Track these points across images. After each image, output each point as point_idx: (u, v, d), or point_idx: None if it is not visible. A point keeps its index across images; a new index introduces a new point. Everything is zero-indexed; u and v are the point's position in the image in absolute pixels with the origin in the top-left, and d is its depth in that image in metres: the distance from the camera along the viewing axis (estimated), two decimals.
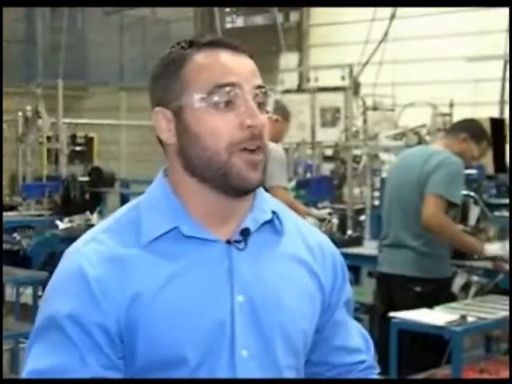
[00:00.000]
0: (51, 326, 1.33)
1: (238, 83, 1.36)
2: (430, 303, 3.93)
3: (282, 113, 4.96)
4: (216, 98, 1.35)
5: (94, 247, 1.36)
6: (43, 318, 1.35)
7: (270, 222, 1.45)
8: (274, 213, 1.45)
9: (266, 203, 1.47)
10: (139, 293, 1.33)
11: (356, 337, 1.59)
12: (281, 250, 1.45)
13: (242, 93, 1.36)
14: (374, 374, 1.61)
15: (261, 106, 1.39)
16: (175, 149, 1.40)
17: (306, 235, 1.51)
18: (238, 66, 1.38)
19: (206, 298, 1.36)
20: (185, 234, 1.37)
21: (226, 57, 1.38)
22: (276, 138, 4.88)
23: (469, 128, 4.47)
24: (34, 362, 1.33)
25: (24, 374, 1.34)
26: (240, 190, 1.38)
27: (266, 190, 4.82)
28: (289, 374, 1.44)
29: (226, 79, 1.36)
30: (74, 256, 1.37)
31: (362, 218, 6.74)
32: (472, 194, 5.09)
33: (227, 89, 1.35)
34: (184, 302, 1.34)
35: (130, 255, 1.35)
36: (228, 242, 1.39)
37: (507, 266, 4.56)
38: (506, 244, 4.42)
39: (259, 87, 1.39)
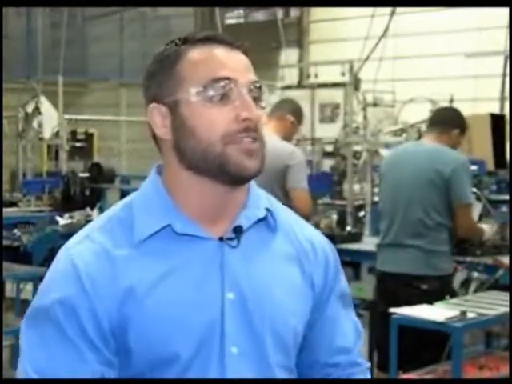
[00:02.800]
0: (45, 319, 1.34)
1: (233, 77, 1.37)
2: (435, 300, 3.94)
3: (298, 115, 4.99)
4: (211, 92, 1.36)
5: (87, 246, 1.37)
6: (36, 310, 1.36)
7: (263, 219, 1.45)
8: (267, 210, 1.45)
9: (260, 200, 1.46)
10: (131, 291, 1.34)
11: (347, 334, 1.56)
12: (274, 247, 1.45)
13: (236, 87, 1.37)
14: (358, 372, 1.57)
15: (255, 100, 1.39)
16: (171, 144, 1.40)
17: (298, 232, 1.51)
18: (233, 60, 1.39)
19: (197, 295, 1.36)
20: (177, 231, 1.37)
21: (220, 52, 1.39)
22: (287, 138, 4.92)
23: (459, 124, 4.53)
24: (30, 358, 1.34)
25: (21, 370, 1.36)
26: (237, 179, 1.38)
27: (287, 192, 4.75)
28: (280, 373, 1.43)
29: (222, 73, 1.36)
30: (68, 254, 1.38)
31: (362, 214, 6.74)
32: (475, 190, 5.09)
33: (222, 83, 1.36)
34: (175, 300, 1.35)
35: (122, 254, 1.36)
36: (221, 239, 1.39)
37: (507, 262, 4.57)
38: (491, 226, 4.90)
39: (254, 82, 1.40)
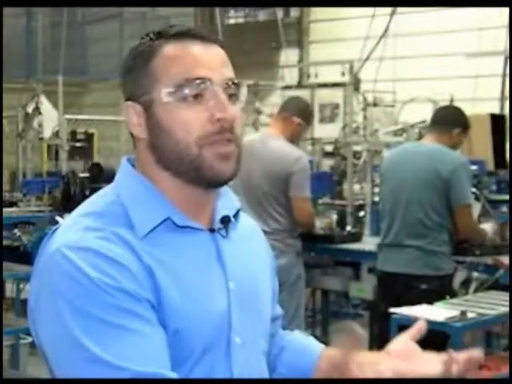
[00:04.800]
0: (115, 313, 1.23)
1: (207, 76, 1.34)
2: (436, 300, 3.94)
3: (305, 115, 4.90)
4: (185, 92, 1.33)
5: (93, 235, 1.29)
6: (99, 308, 1.24)
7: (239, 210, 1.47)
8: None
9: (229, 191, 1.48)
10: (153, 274, 1.29)
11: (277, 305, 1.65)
12: (244, 237, 1.48)
13: (211, 85, 1.34)
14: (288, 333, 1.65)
15: (232, 97, 1.37)
16: (147, 143, 1.38)
17: (245, 218, 1.54)
18: (208, 57, 1.36)
19: (208, 287, 1.35)
20: (178, 224, 1.36)
21: (195, 48, 1.35)
22: (294, 139, 4.86)
23: (460, 123, 4.51)
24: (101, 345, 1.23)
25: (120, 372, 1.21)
26: (213, 183, 1.37)
27: (288, 198, 4.71)
28: (263, 359, 1.46)
29: (196, 72, 1.34)
30: (75, 248, 1.27)
31: (362, 214, 6.74)
32: (474, 190, 5.10)
33: (196, 82, 1.33)
34: (190, 294, 1.32)
35: (131, 241, 1.31)
36: (212, 230, 1.40)
37: (507, 262, 4.57)
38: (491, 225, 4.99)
39: (230, 79, 1.37)
